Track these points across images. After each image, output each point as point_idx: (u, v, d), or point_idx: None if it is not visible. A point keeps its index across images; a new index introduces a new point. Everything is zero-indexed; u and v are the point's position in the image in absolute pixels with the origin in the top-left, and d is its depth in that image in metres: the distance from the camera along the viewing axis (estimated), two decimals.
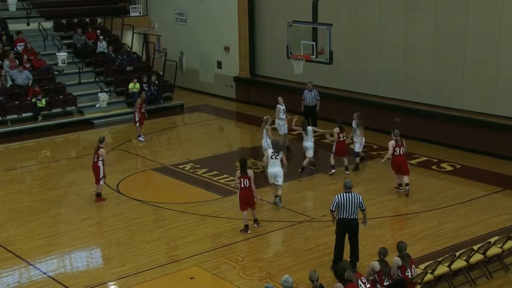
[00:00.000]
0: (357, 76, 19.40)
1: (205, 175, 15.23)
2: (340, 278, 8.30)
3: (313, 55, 16.45)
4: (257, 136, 17.50)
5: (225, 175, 15.06)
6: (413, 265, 9.06)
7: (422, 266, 9.48)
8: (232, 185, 12.83)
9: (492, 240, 10.24)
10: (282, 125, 16.49)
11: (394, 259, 9.02)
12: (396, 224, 12.28)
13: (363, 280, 8.52)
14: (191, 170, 15.61)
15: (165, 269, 10.63)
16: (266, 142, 14.61)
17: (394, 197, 13.64)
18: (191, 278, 10.34)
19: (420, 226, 12.15)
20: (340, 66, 18.69)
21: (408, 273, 8.95)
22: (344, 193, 10.14)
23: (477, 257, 9.94)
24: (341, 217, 10.16)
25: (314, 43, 16.36)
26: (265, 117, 15.12)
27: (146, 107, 18.54)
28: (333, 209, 10.21)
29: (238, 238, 11.80)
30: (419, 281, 9.16)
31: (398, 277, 8.97)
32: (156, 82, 21.68)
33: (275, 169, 12.85)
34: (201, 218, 12.71)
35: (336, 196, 10.16)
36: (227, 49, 22.95)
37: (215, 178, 14.97)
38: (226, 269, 10.56)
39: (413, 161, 15.97)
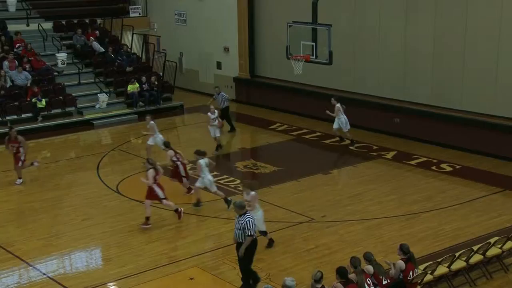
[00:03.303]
0: (357, 77, 19.40)
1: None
2: (342, 278, 8.30)
3: (312, 55, 16.46)
4: (257, 137, 17.53)
5: (225, 176, 15.07)
6: (415, 268, 9.04)
7: (421, 267, 9.47)
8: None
9: (492, 240, 10.24)
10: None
11: (397, 262, 8.99)
12: (396, 224, 12.28)
13: (369, 282, 8.51)
14: (191, 171, 15.56)
15: (165, 269, 10.62)
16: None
17: (393, 198, 13.64)
18: (191, 278, 10.33)
19: (419, 226, 12.15)
20: (340, 66, 18.69)
21: (410, 276, 8.92)
22: (250, 214, 9.68)
23: (476, 257, 9.94)
24: (255, 237, 9.69)
25: (314, 43, 16.37)
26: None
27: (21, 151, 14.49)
28: (254, 234, 9.57)
29: None
30: (419, 281, 9.15)
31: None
32: (156, 82, 21.68)
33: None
34: (201, 218, 12.70)
35: (252, 219, 9.53)
36: (226, 49, 22.95)
37: (215, 179, 14.93)
38: (226, 270, 10.55)
39: (412, 162, 16.00)
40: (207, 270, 10.58)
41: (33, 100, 19.56)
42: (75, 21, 23.58)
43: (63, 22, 23.38)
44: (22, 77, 20.16)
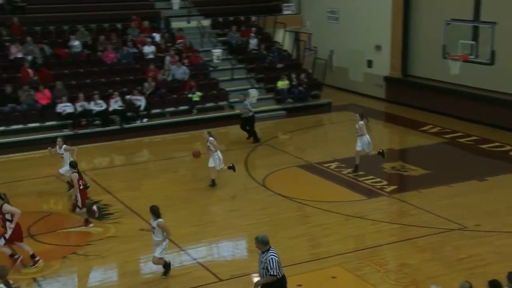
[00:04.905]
0: None
1: (350, 175, 15.01)
2: None
3: (472, 55, 15.57)
4: (407, 138, 16.92)
5: (371, 176, 14.74)
6: None
7: None
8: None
9: None
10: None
11: None
12: None
13: None
14: (336, 169, 15.47)
15: (308, 266, 10.61)
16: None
17: None
18: (333, 277, 10.16)
19: None
20: (503, 67, 17.36)
21: None
22: (273, 250, 8.42)
23: None
24: (281, 275, 8.47)
25: (474, 42, 15.46)
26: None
27: None
28: (277, 274, 8.35)
29: (383, 241, 11.48)
30: None
31: None
32: (305, 80, 21.83)
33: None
34: (345, 218, 12.54)
35: (275, 256, 8.31)
36: (378, 48, 22.44)
37: (360, 179, 14.70)
38: (369, 272, 10.30)
39: None
40: (350, 270, 10.40)
41: (189, 95, 20.66)
42: (231, 18, 24.51)
43: (220, 20, 24.41)
44: (181, 72, 21.40)
